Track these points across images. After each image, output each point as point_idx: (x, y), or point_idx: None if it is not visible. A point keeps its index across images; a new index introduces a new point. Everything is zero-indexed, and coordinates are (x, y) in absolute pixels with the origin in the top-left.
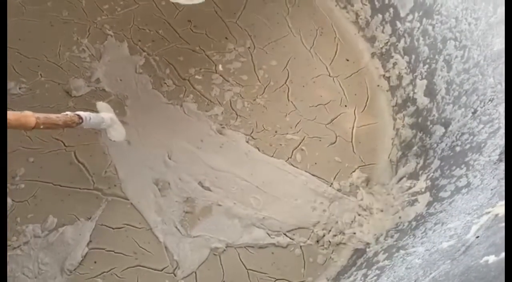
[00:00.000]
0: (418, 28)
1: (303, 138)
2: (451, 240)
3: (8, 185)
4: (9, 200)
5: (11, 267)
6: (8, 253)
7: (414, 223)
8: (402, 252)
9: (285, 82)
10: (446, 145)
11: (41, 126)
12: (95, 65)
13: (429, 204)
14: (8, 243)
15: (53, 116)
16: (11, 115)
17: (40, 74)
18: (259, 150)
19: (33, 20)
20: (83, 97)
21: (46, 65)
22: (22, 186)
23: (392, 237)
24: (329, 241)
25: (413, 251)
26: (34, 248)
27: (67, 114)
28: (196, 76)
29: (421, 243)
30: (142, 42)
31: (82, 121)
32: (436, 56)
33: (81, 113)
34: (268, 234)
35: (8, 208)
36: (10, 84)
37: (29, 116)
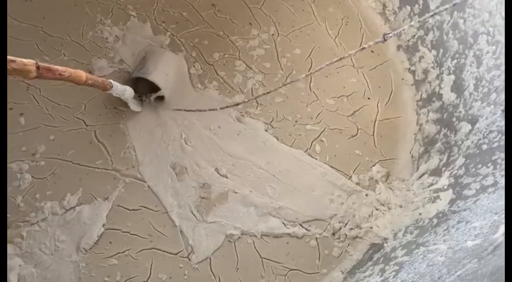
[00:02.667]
0: (448, 21)
1: (324, 130)
2: (477, 239)
3: (28, 161)
4: (28, 176)
5: (29, 242)
6: (26, 229)
7: (435, 220)
8: (422, 248)
9: (308, 72)
10: (472, 142)
11: (89, 81)
12: (118, 46)
13: (451, 202)
14: (27, 218)
15: (95, 77)
16: (71, 70)
17: (64, 53)
18: (277, 139)
19: None
20: (106, 77)
21: (69, 45)
22: (42, 163)
23: (411, 233)
24: (345, 234)
25: (435, 248)
26: (51, 225)
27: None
28: (220, 62)
29: (443, 241)
30: (166, 23)
31: (112, 87)
32: (466, 51)
33: (112, 81)
34: (283, 223)
35: (27, 184)
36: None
37: (82, 72)
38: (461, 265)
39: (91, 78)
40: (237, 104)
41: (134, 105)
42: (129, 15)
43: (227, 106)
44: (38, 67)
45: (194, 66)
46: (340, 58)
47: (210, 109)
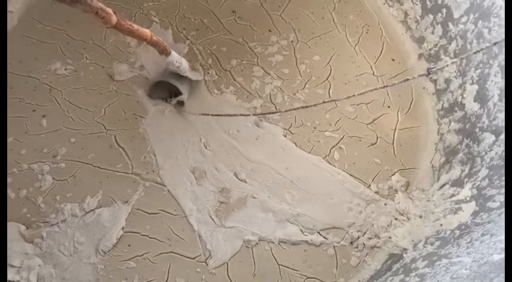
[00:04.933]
0: (472, 30)
1: (343, 137)
2: (503, 253)
3: (49, 163)
4: (49, 178)
5: (48, 243)
6: (46, 229)
7: (457, 232)
8: (445, 260)
9: (327, 79)
10: (496, 153)
11: (154, 38)
12: (139, 51)
13: (475, 214)
14: (47, 219)
15: (158, 37)
16: (139, 27)
17: (86, 57)
18: (296, 145)
19: None
20: (125, 82)
21: (92, 48)
22: (62, 165)
23: (432, 244)
24: (364, 244)
25: (458, 260)
26: (71, 227)
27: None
28: (237, 68)
29: (467, 253)
30: (187, 30)
31: (171, 53)
32: (491, 61)
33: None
34: (301, 231)
35: (48, 185)
36: (57, 65)
37: (147, 31)
38: (488, 279)
39: (154, 36)
40: (275, 112)
41: (194, 75)
42: (152, 21)
43: (261, 113)
44: (115, 13)
45: (209, 73)
46: (374, 89)
47: (242, 115)
